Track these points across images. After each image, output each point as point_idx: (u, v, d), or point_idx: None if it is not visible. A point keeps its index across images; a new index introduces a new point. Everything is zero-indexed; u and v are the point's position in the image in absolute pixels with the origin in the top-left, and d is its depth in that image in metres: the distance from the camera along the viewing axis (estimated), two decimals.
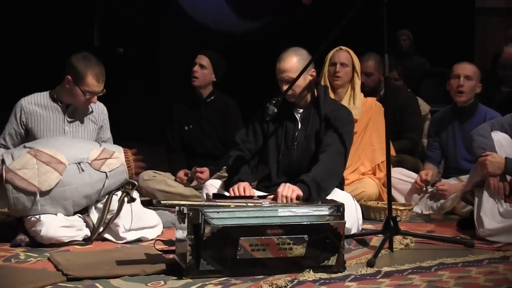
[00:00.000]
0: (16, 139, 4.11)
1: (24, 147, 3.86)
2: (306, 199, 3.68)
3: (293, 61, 3.96)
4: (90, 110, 4.22)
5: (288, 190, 3.63)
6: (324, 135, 3.98)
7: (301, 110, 4.08)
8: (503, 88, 5.97)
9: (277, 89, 4.03)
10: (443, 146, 5.03)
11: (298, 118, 4.07)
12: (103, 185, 3.88)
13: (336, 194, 3.89)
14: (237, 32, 9.71)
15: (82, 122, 4.18)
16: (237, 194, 3.76)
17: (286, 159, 4.05)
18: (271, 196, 3.69)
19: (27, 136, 4.11)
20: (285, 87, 3.95)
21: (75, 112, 4.17)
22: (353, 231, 3.93)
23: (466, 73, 4.83)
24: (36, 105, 4.12)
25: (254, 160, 4.09)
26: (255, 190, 3.96)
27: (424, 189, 4.93)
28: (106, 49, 9.85)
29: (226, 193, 3.92)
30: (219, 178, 4.73)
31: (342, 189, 4.13)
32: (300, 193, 3.66)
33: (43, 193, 3.75)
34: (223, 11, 9.89)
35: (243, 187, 3.79)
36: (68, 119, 4.14)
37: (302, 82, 3.96)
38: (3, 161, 3.78)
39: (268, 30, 9.39)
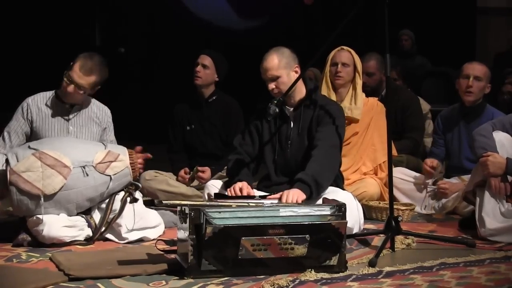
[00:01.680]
0: (21, 137, 4.12)
1: (29, 147, 3.86)
2: (307, 198, 3.69)
3: (275, 60, 4.00)
4: (94, 111, 4.23)
5: (293, 197, 3.63)
6: (316, 131, 3.99)
7: (291, 109, 4.10)
8: (504, 88, 5.97)
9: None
10: (448, 144, 5.01)
11: (290, 117, 4.09)
12: (107, 188, 3.88)
13: (338, 194, 3.89)
14: (238, 30, 9.72)
15: (86, 123, 4.19)
16: (234, 194, 3.77)
17: (281, 158, 4.07)
18: (272, 196, 3.69)
19: (31, 134, 4.12)
20: (270, 85, 4.00)
21: (80, 113, 4.17)
22: (355, 230, 3.94)
23: (476, 73, 4.82)
24: (42, 104, 4.14)
25: (253, 162, 4.12)
26: (255, 190, 3.96)
27: (433, 177, 4.90)
28: (107, 49, 9.86)
29: (228, 193, 3.93)
30: (220, 178, 4.73)
31: (343, 188, 4.14)
32: (304, 197, 3.67)
33: (47, 197, 3.75)
34: (224, 9, 9.90)
35: (240, 187, 3.80)
36: (72, 119, 4.14)
37: (286, 79, 3.99)
38: (7, 161, 3.78)
39: (270, 30, 9.38)
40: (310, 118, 4.04)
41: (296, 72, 4.03)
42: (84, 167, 3.84)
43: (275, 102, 3.89)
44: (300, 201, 3.62)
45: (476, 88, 4.80)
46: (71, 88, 4.02)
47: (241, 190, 3.80)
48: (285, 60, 4.00)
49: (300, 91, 4.09)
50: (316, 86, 4.21)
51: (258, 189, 4.07)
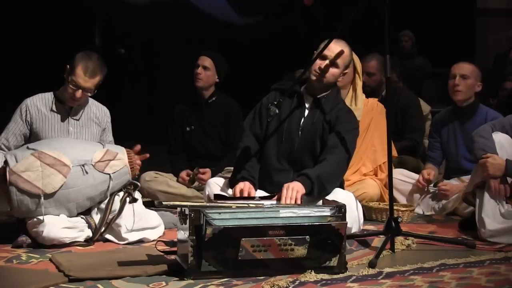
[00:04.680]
0: (20, 139, 4.10)
1: (28, 148, 3.86)
2: (306, 195, 3.70)
3: (345, 50, 4.00)
4: (93, 111, 4.23)
5: (293, 192, 3.63)
6: (331, 131, 3.98)
7: (311, 99, 4.08)
8: (505, 85, 5.98)
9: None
10: (444, 146, 5.02)
11: (307, 106, 4.08)
12: (108, 187, 3.88)
13: (338, 194, 3.89)
14: (237, 26, 9.73)
15: (85, 123, 4.19)
16: (235, 195, 3.77)
17: (288, 144, 4.03)
18: (275, 197, 3.69)
19: (31, 136, 4.11)
20: (324, 63, 3.95)
21: (79, 113, 4.17)
22: (354, 230, 3.94)
23: (462, 72, 4.83)
24: (41, 105, 4.13)
25: (260, 145, 4.09)
26: (255, 191, 3.95)
27: (426, 189, 4.92)
28: (107, 50, 9.85)
29: (230, 190, 3.92)
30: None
31: (342, 188, 4.13)
32: (304, 192, 3.66)
33: (47, 196, 3.75)
34: (223, 4, 9.93)
35: (241, 188, 3.80)
36: (72, 120, 4.14)
37: (337, 73, 4.00)
38: (6, 163, 3.77)
39: (269, 30, 9.39)
40: (327, 115, 4.01)
41: (343, 75, 4.08)
42: (83, 165, 3.84)
43: (275, 103, 3.89)
44: (299, 196, 3.63)
45: (463, 86, 4.81)
46: (79, 93, 4.02)
47: (242, 191, 3.79)
48: (349, 59, 4.05)
49: (326, 86, 4.07)
50: (339, 90, 4.22)
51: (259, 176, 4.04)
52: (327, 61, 3.97)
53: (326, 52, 3.96)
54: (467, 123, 4.85)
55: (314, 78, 4.00)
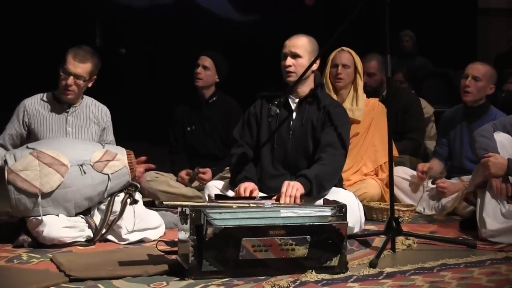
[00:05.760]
0: (16, 139, 4.11)
1: (27, 147, 3.86)
2: (305, 195, 3.70)
3: (304, 40, 4.02)
4: (92, 111, 4.23)
5: (293, 189, 3.63)
6: (323, 128, 3.98)
7: (296, 100, 4.08)
8: (504, 87, 5.98)
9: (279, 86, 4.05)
10: (450, 144, 5.01)
11: (293, 107, 4.08)
12: (106, 187, 3.88)
13: (339, 194, 3.89)
14: (237, 24, 9.74)
15: (84, 123, 4.18)
16: (241, 195, 3.77)
17: (281, 148, 4.04)
18: (275, 197, 3.69)
19: (29, 137, 4.11)
20: (289, 61, 3.99)
21: (78, 113, 4.17)
22: (356, 230, 3.94)
23: (475, 73, 4.81)
24: (39, 105, 4.13)
25: (254, 152, 4.09)
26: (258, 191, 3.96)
27: (425, 182, 4.91)
28: (108, 50, 9.86)
29: (230, 192, 3.92)
30: (221, 179, 4.73)
31: (341, 187, 4.13)
32: (303, 191, 3.66)
33: (45, 195, 3.75)
34: (223, 3, 9.95)
35: (244, 188, 3.80)
36: (71, 120, 4.14)
37: (306, 64, 3.98)
38: (5, 162, 3.78)
39: (270, 29, 9.39)
40: (316, 113, 4.02)
41: (316, 64, 4.06)
42: (81, 165, 3.84)
43: (276, 103, 3.90)
44: (299, 194, 3.63)
45: (474, 88, 4.79)
46: (70, 80, 4.02)
47: (245, 191, 3.79)
48: (313, 47, 4.03)
49: (309, 84, 4.07)
50: (323, 86, 4.21)
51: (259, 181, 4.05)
52: (289, 57, 4.00)
53: (284, 50, 4.02)
54: (475, 124, 4.81)
55: (288, 78, 4.01)
